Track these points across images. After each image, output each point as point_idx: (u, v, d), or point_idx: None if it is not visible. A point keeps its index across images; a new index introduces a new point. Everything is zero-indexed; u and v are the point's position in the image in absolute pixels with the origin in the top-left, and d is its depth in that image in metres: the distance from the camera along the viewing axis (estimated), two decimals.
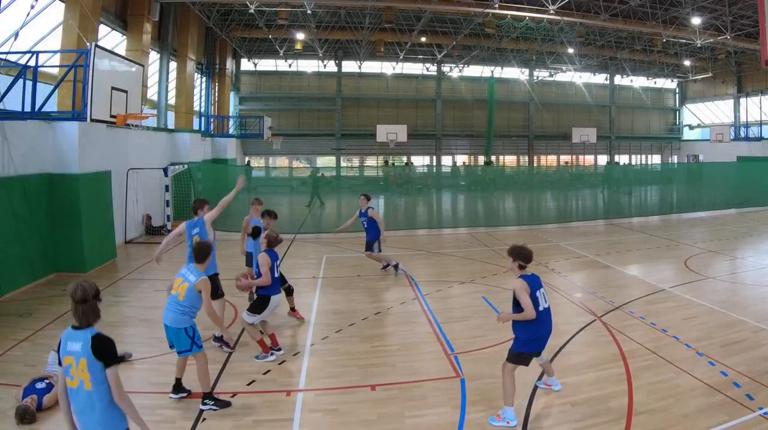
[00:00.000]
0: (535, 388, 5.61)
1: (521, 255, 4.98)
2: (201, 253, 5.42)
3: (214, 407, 5.17)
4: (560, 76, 34.61)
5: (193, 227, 6.91)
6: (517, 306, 4.88)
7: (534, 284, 4.92)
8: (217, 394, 5.42)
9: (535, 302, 4.85)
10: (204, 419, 5.03)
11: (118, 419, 3.34)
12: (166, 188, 14.75)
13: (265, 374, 6.02)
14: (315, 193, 21.55)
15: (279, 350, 6.57)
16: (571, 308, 8.50)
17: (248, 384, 5.74)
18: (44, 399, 5.06)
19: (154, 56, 19.31)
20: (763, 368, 5.92)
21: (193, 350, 5.24)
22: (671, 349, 6.60)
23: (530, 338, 4.94)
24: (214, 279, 6.45)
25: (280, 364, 6.30)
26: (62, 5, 12.36)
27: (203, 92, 25.24)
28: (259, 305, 6.38)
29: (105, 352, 3.26)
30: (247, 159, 31.59)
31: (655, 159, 38.42)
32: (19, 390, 5.17)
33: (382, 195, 22.35)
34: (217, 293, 6.55)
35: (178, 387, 5.43)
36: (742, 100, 33.27)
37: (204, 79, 25.24)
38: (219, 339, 6.74)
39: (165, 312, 5.28)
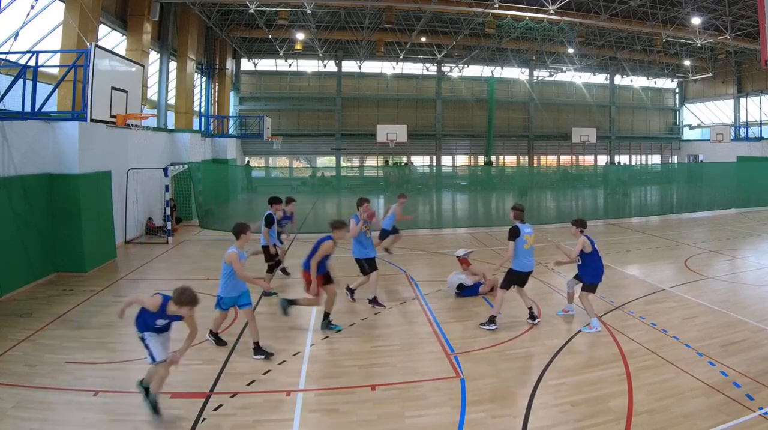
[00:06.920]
0: (536, 388, 5.62)
1: (581, 223, 7.79)
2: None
3: (262, 355, 6.36)
4: (560, 76, 34.58)
5: None
6: (583, 256, 7.59)
7: (592, 240, 7.68)
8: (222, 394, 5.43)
9: (596, 251, 7.59)
10: (204, 419, 5.03)
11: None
12: (166, 188, 14.76)
13: (265, 374, 6.02)
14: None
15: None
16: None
17: (248, 384, 5.73)
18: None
19: (154, 56, 19.29)
20: (763, 368, 5.93)
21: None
22: (671, 349, 6.61)
23: (595, 276, 7.57)
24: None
25: (280, 364, 6.31)
26: (62, 5, 12.35)
27: (203, 92, 25.22)
28: None
29: None
30: (246, 159, 31.60)
31: (655, 159, 38.42)
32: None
33: (382, 195, 22.36)
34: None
35: (257, 349, 6.46)
36: (742, 100, 33.27)
37: (204, 79, 25.22)
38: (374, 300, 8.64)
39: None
